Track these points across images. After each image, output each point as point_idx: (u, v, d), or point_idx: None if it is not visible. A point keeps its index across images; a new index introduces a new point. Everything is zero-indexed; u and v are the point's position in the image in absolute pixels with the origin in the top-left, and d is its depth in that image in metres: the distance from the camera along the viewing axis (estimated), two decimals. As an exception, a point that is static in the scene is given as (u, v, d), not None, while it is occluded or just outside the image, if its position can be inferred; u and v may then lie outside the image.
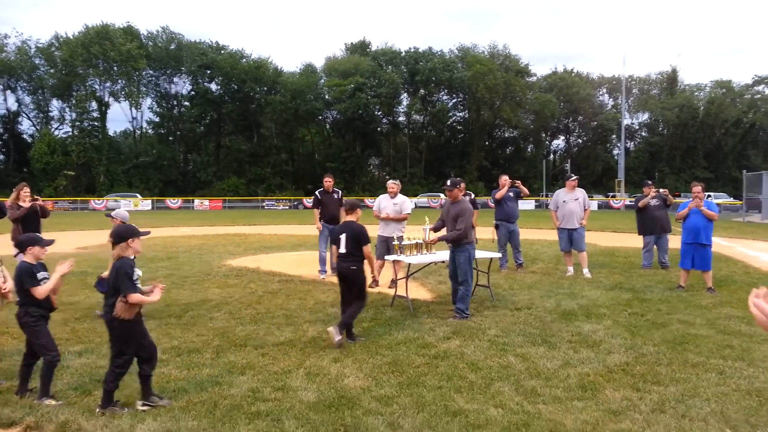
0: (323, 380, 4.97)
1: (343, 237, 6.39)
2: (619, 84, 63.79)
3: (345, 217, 6.72)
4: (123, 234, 4.44)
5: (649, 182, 12.01)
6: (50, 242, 4.87)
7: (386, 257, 8.85)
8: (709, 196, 42.18)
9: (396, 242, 8.38)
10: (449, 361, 5.50)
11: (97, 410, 4.26)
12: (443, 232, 7.73)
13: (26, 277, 4.56)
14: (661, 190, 11.59)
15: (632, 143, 73.67)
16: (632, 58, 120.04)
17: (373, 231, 9.67)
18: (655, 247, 11.39)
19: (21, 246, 4.86)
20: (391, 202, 9.52)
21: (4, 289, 5.04)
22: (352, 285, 6.40)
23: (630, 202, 45.36)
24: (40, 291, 4.58)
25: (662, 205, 11.35)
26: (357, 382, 4.91)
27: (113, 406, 4.30)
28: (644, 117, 74.45)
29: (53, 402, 4.45)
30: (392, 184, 9.77)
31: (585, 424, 4.04)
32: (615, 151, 71.41)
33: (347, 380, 4.96)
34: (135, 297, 4.25)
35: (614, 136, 70.53)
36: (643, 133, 74.70)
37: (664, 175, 63.30)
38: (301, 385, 4.86)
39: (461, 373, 5.15)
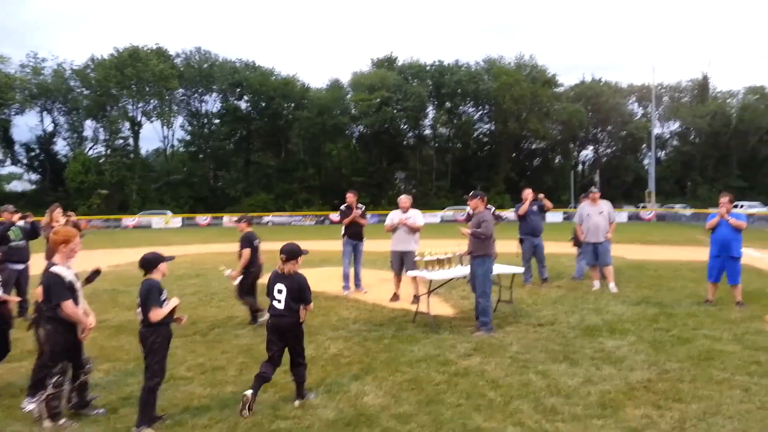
0: (343, 398, 5.04)
1: None
2: (649, 92, 62.67)
3: None
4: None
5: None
6: (172, 258, 4.73)
7: (409, 273, 8.90)
8: (740, 206, 40.89)
9: (418, 258, 8.43)
10: (469, 378, 5.51)
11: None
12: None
13: (156, 295, 4.34)
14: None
15: (663, 153, 72.28)
16: (662, 66, 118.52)
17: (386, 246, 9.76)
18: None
19: (150, 264, 4.49)
20: (403, 218, 9.69)
21: (91, 325, 4.59)
22: None
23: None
24: (160, 313, 4.35)
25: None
26: (376, 400, 4.96)
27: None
28: (675, 126, 72.89)
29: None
30: (404, 199, 9.95)
31: (603, 443, 4.02)
32: (645, 161, 70.03)
33: (367, 398, 5.02)
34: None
35: (644, 145, 69.20)
36: (675, 142, 73.08)
37: (696, 185, 61.82)
38: (321, 402, 4.94)
39: (481, 390, 5.16)
